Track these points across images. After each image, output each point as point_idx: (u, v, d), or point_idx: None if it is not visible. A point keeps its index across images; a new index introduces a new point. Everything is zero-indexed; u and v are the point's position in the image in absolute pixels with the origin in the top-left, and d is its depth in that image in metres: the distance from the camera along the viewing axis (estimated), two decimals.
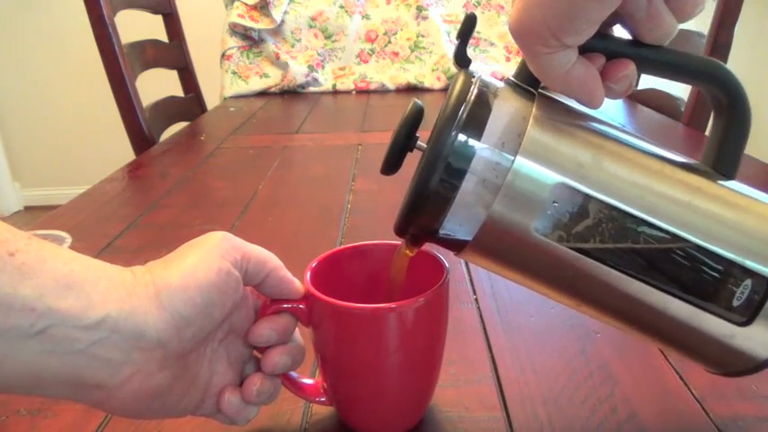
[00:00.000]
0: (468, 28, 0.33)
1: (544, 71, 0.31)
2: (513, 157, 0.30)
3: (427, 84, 1.61)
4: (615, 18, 0.30)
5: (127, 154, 1.16)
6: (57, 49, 2.69)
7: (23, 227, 0.29)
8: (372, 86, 1.63)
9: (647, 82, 1.41)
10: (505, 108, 0.31)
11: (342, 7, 1.68)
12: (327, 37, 1.69)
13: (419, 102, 0.34)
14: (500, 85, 0.32)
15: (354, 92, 1.63)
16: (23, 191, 2.96)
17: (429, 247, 0.40)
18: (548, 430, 0.38)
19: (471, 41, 1.69)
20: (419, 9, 1.69)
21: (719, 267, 0.31)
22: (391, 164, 0.34)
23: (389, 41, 1.70)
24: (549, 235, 0.31)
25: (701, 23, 1.18)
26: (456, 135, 0.30)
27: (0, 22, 2.68)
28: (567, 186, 0.30)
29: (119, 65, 1.16)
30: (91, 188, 0.88)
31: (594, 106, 0.32)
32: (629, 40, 0.31)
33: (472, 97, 0.31)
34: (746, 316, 0.31)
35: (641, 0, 0.29)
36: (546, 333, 0.48)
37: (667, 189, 0.31)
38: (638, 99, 1.36)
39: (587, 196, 0.30)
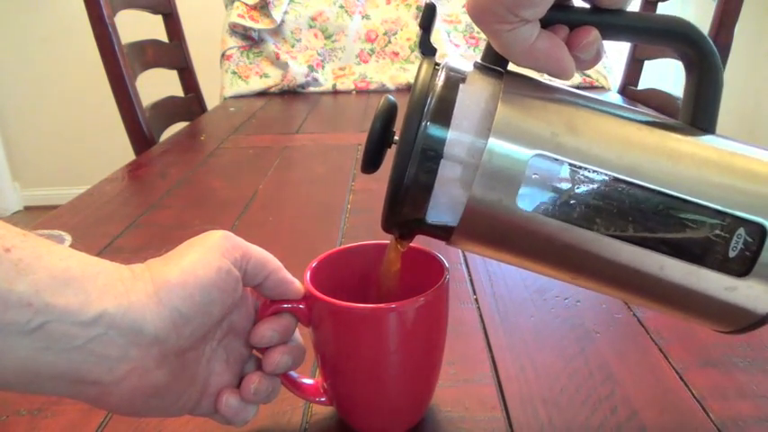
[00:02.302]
0: (428, 16, 0.33)
1: (508, 48, 0.31)
2: (486, 138, 0.30)
3: None
4: None
5: (127, 154, 1.16)
6: (57, 49, 2.69)
7: (23, 227, 0.29)
8: (372, 86, 1.63)
9: (648, 82, 1.41)
10: (474, 90, 0.31)
11: (342, 7, 1.68)
12: (327, 37, 1.69)
13: (391, 97, 0.34)
14: (468, 69, 0.33)
15: (354, 92, 1.63)
16: (23, 191, 2.96)
17: (429, 247, 0.40)
18: (548, 430, 0.38)
19: (471, 42, 1.70)
20: (419, 9, 1.69)
21: (710, 220, 0.31)
22: (370, 161, 0.34)
23: (389, 41, 1.70)
24: (534, 209, 0.31)
25: (701, 23, 1.18)
26: (426, 123, 0.31)
27: (0, 21, 2.68)
28: (544, 157, 0.30)
29: (119, 65, 1.16)
30: (91, 188, 0.88)
31: (566, 77, 0.32)
32: (588, 8, 0.31)
33: (440, 83, 0.31)
34: (744, 266, 0.31)
35: None
36: (546, 333, 0.48)
37: (647, 147, 0.31)
38: (638, 99, 1.36)
39: (566, 164, 0.30)
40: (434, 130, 0.31)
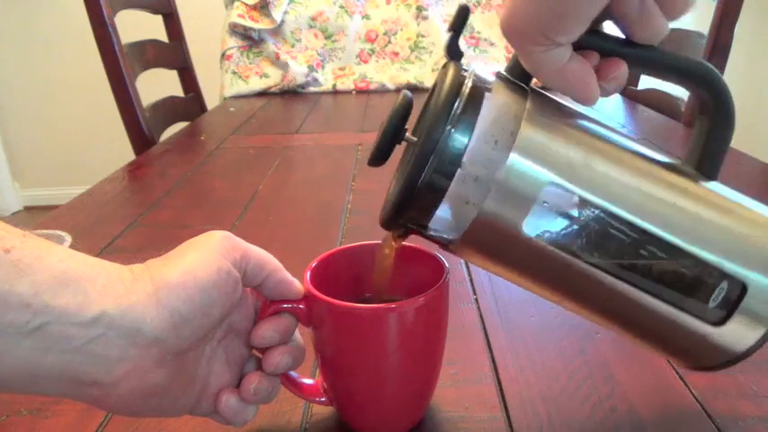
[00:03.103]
0: (461, 19, 0.32)
1: (538, 68, 0.31)
2: (505, 155, 0.30)
3: (427, 84, 1.61)
4: (606, 15, 0.30)
5: (127, 154, 1.16)
6: (57, 49, 2.69)
7: (24, 227, 0.29)
8: (372, 86, 1.63)
9: (648, 82, 1.41)
10: (499, 104, 0.31)
11: (342, 7, 1.68)
12: (327, 37, 1.69)
13: (409, 93, 0.33)
14: (492, 79, 0.32)
15: (354, 92, 1.63)
16: (23, 191, 2.96)
17: (429, 247, 0.40)
18: (548, 430, 0.38)
19: (471, 42, 1.70)
20: (419, 9, 1.69)
21: (699, 269, 0.32)
22: (380, 155, 0.33)
23: (389, 41, 1.70)
24: (537, 233, 0.31)
25: (701, 23, 1.18)
26: (450, 129, 0.30)
27: (0, 22, 2.68)
28: (557, 185, 0.30)
29: (119, 65, 1.16)
30: (91, 188, 0.88)
31: (589, 104, 0.32)
32: (621, 39, 0.31)
33: (467, 90, 0.31)
34: (720, 317, 0.32)
35: (632, 2, 0.29)
36: (546, 333, 0.48)
37: (654, 192, 0.31)
38: (638, 99, 1.36)
39: (577, 196, 0.31)
40: (458, 137, 0.30)
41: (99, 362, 0.28)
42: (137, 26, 1.36)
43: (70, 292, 0.27)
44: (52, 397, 0.41)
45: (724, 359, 0.33)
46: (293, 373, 0.38)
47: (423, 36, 1.68)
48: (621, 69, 0.31)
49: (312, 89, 1.63)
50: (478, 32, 1.70)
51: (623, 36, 0.31)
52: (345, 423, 0.39)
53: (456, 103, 0.30)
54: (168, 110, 1.36)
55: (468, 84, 0.31)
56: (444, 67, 0.33)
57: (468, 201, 0.31)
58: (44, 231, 0.70)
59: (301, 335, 0.38)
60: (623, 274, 0.32)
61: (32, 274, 0.26)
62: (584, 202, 0.31)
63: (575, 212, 0.32)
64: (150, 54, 1.34)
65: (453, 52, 0.33)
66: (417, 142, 0.31)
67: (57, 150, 2.86)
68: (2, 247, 0.26)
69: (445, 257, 0.38)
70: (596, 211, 0.31)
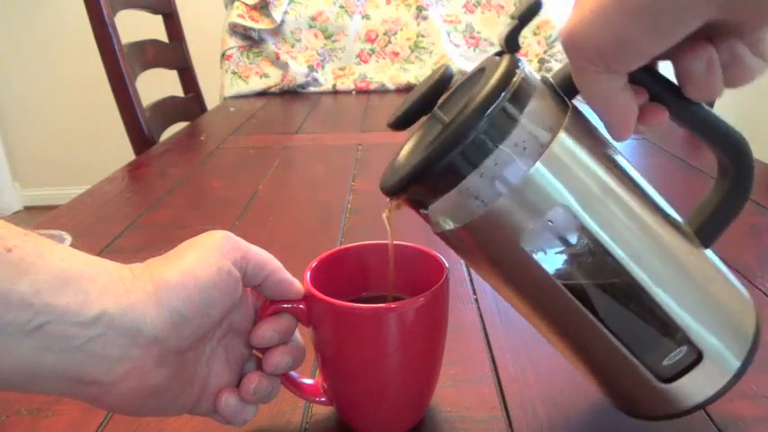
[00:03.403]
0: (530, 12, 0.31)
1: (586, 88, 0.30)
2: (530, 164, 0.29)
3: None
4: (668, 57, 0.29)
5: (127, 154, 1.16)
6: (57, 49, 2.69)
7: (24, 227, 0.29)
8: (372, 86, 1.63)
9: None
10: (538, 111, 0.30)
11: (342, 7, 1.68)
12: (327, 37, 1.69)
13: (451, 67, 0.32)
14: (538, 82, 0.31)
15: (354, 92, 1.63)
16: (23, 191, 2.96)
17: (429, 247, 0.40)
18: (547, 430, 0.38)
19: (471, 41, 1.70)
20: (419, 9, 1.69)
21: (667, 327, 0.32)
22: (406, 119, 0.32)
23: (389, 41, 1.70)
24: (531, 247, 0.31)
25: None
26: (491, 116, 0.29)
27: (0, 22, 2.68)
28: (568, 209, 0.30)
29: (119, 65, 1.16)
30: (91, 188, 0.88)
31: (620, 140, 0.31)
32: (673, 87, 0.30)
33: (515, 87, 0.29)
34: (670, 375, 0.33)
35: (700, 63, 0.28)
36: None
37: (651, 245, 0.32)
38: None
39: (582, 226, 0.30)
40: (493, 130, 0.29)
41: (99, 361, 0.28)
42: (137, 26, 1.36)
43: (71, 291, 0.27)
44: (52, 395, 0.41)
45: (663, 412, 0.34)
46: (293, 373, 0.38)
47: (423, 36, 1.68)
48: (662, 119, 0.31)
49: (312, 89, 1.63)
50: (478, 32, 1.70)
51: (675, 82, 0.30)
52: (345, 423, 0.39)
53: (501, 96, 0.29)
54: (168, 110, 1.36)
55: (519, 78, 0.30)
56: (498, 54, 0.32)
57: (477, 197, 0.30)
58: (44, 231, 0.70)
59: (301, 335, 0.38)
60: (597, 308, 0.32)
61: (34, 273, 0.26)
62: (585, 233, 0.31)
63: (573, 239, 0.32)
64: (150, 54, 1.34)
65: (512, 44, 0.31)
66: (450, 121, 0.30)
67: (57, 150, 2.86)
68: (3, 246, 0.26)
69: (445, 258, 0.38)
70: (593, 245, 0.31)
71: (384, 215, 0.35)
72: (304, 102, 1.52)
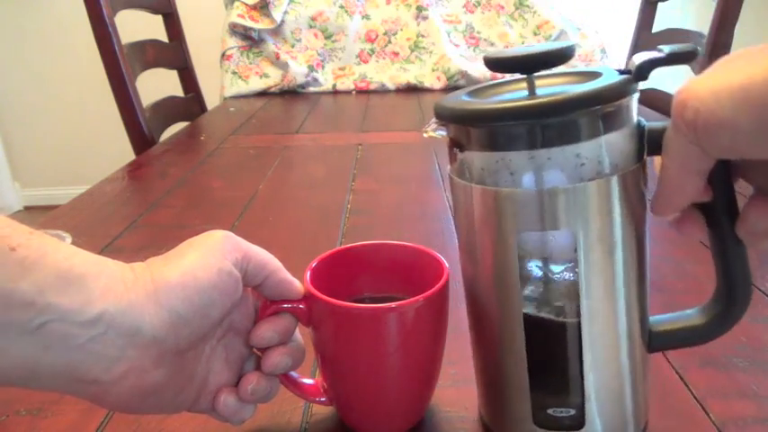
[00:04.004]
0: (684, 57, 0.31)
1: (672, 150, 0.29)
2: (576, 182, 0.29)
3: (427, 84, 1.61)
4: (742, 176, 0.30)
5: (127, 154, 1.16)
6: (57, 49, 2.69)
7: None
8: (372, 86, 1.63)
9: (648, 82, 1.41)
10: (618, 143, 0.30)
11: (342, 7, 1.68)
12: (327, 37, 1.69)
13: (575, 45, 0.31)
14: (634, 120, 0.31)
15: (354, 92, 1.63)
16: (23, 191, 2.96)
17: (429, 247, 0.40)
18: None
19: (471, 41, 1.70)
20: (419, 9, 1.70)
21: (574, 385, 0.33)
22: (502, 65, 0.31)
23: (389, 41, 1.70)
24: (519, 249, 0.31)
25: (701, 23, 1.18)
26: (586, 114, 0.29)
27: (0, 21, 2.68)
28: (573, 239, 0.30)
29: (119, 65, 1.16)
30: (91, 188, 0.88)
31: (657, 213, 0.31)
32: (732, 210, 0.30)
33: (620, 107, 0.30)
34: (544, 425, 0.34)
35: (765, 221, 0.29)
36: None
37: (610, 317, 0.32)
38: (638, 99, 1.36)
39: (575, 273, 0.31)
40: (580, 128, 0.29)
41: (98, 360, 0.28)
42: (137, 26, 1.36)
43: (74, 290, 0.27)
44: (52, 394, 0.41)
45: None
46: (293, 373, 0.38)
47: (423, 36, 1.69)
48: (699, 233, 0.31)
49: (312, 89, 1.63)
50: (478, 32, 1.70)
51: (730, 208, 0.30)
52: (345, 423, 0.39)
53: (607, 106, 0.29)
54: (168, 110, 1.36)
55: (625, 104, 0.30)
56: (621, 72, 0.32)
57: (513, 173, 0.30)
58: (45, 231, 0.70)
59: (301, 335, 0.38)
60: (530, 330, 0.32)
61: (38, 272, 0.26)
62: (572, 284, 0.32)
63: (558, 269, 0.33)
64: (150, 54, 1.34)
65: (642, 72, 0.31)
66: (546, 96, 0.29)
67: (57, 150, 2.86)
68: (8, 244, 0.26)
69: (445, 258, 0.38)
70: (567, 279, 0.32)
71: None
72: (304, 102, 1.53)
